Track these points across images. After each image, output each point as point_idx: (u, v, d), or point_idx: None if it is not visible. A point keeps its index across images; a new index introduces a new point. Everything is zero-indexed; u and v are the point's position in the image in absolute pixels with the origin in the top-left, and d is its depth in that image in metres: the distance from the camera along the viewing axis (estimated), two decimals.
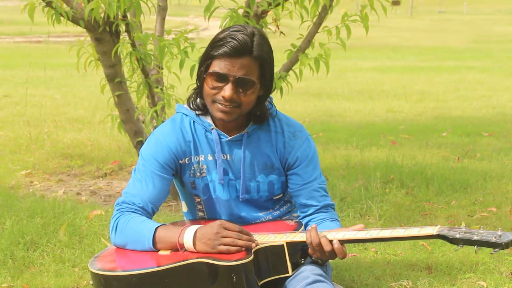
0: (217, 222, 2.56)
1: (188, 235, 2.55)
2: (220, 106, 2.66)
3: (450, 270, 3.58)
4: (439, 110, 9.79)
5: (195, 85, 2.82)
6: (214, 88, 2.65)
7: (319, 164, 2.89)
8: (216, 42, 2.64)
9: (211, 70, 2.64)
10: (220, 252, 2.49)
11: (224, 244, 2.50)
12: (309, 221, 2.83)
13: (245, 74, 2.62)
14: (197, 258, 2.48)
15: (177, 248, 2.57)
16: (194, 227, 2.58)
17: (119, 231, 2.68)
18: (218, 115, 2.68)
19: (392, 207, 4.63)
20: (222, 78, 2.62)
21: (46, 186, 5.46)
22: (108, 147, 6.73)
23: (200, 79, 2.71)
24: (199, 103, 2.79)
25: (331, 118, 9.06)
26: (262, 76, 2.68)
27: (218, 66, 2.62)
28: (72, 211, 4.34)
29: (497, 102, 10.57)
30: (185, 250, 2.56)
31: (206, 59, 2.67)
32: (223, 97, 2.63)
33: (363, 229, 2.51)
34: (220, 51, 2.61)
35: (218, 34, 2.67)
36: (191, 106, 2.81)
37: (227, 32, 2.64)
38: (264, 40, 2.67)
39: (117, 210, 2.73)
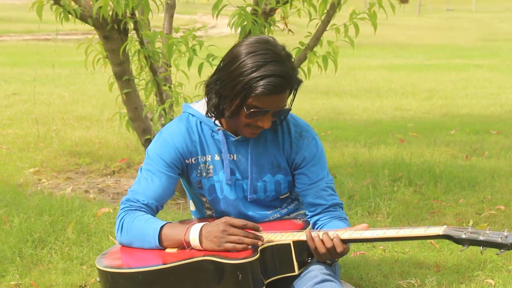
0: (222, 219, 2.55)
1: (193, 233, 2.55)
2: (253, 131, 2.66)
3: (458, 268, 3.57)
4: (447, 108, 9.77)
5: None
6: (250, 118, 2.61)
7: (326, 163, 2.88)
8: (255, 77, 2.51)
9: (251, 104, 2.55)
10: (227, 250, 2.49)
11: (230, 242, 2.50)
12: (317, 220, 2.82)
13: (283, 105, 2.62)
14: (203, 256, 2.48)
15: (184, 246, 2.57)
16: (199, 225, 2.57)
17: (124, 230, 2.68)
18: (248, 135, 2.69)
19: (400, 205, 4.63)
20: (262, 112, 2.59)
21: (54, 184, 5.47)
22: (116, 145, 6.73)
23: (233, 106, 2.60)
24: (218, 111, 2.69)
25: (339, 116, 9.04)
26: (290, 92, 2.67)
27: (258, 101, 2.55)
28: (80, 209, 4.34)
29: (506, 100, 10.53)
30: (192, 248, 2.56)
31: (245, 95, 2.54)
32: (260, 126, 2.62)
33: (367, 228, 2.51)
34: (265, 90, 2.51)
35: (253, 65, 2.52)
36: (209, 115, 2.72)
37: (265, 68, 2.51)
38: (293, 62, 2.65)
39: (121, 209, 2.73)
